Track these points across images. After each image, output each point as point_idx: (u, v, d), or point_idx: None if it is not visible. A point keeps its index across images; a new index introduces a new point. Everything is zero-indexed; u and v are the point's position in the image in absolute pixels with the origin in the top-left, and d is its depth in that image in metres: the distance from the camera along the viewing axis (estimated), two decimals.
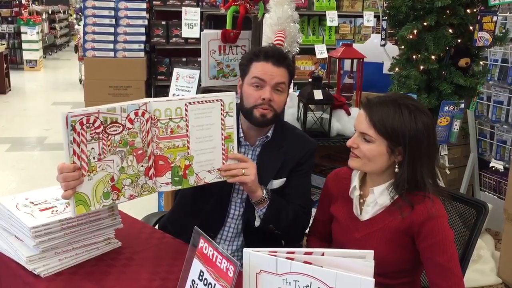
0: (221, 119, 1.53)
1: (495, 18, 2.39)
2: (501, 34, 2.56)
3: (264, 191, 1.63)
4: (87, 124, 1.33)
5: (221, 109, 1.52)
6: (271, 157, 1.74)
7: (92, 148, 1.35)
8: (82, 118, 1.32)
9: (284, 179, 1.75)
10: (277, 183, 1.74)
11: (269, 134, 1.75)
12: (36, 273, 1.40)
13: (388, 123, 1.41)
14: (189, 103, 1.48)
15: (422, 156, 1.43)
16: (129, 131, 1.41)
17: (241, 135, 1.74)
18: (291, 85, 1.87)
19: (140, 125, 1.43)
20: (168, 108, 1.45)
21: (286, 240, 1.80)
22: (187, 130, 1.49)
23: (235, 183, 1.65)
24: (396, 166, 1.45)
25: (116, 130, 1.38)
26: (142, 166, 1.45)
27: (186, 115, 1.48)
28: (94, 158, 1.36)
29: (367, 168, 1.48)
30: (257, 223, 1.68)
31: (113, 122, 1.37)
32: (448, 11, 2.39)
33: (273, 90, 1.66)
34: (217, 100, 1.51)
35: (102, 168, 1.38)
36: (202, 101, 1.49)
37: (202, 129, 1.51)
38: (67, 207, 1.49)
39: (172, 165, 1.49)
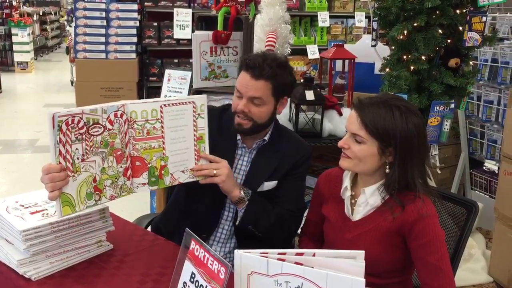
0: (193, 120, 1.57)
1: (484, 19, 2.40)
2: (490, 34, 2.58)
3: (242, 192, 1.64)
4: (72, 125, 1.34)
5: (193, 111, 1.56)
6: (265, 160, 1.75)
7: (76, 149, 1.36)
8: (67, 119, 1.33)
9: (276, 181, 1.75)
10: (268, 185, 1.74)
11: (266, 138, 1.76)
12: (27, 276, 1.39)
13: (379, 124, 1.41)
14: (164, 105, 1.51)
15: (412, 157, 1.44)
16: (109, 132, 1.42)
17: (239, 138, 1.75)
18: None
19: (119, 126, 1.44)
20: (144, 110, 1.48)
21: (271, 243, 1.75)
22: (162, 132, 1.52)
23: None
24: (387, 166, 1.46)
25: (98, 131, 1.40)
26: (121, 166, 1.47)
27: (161, 116, 1.51)
28: (78, 158, 1.36)
29: (358, 169, 1.49)
30: (238, 223, 1.70)
31: (95, 123, 1.39)
32: (437, 12, 2.40)
33: (250, 102, 1.66)
34: (189, 102, 1.56)
35: (85, 168, 1.38)
36: (175, 103, 1.53)
37: (176, 130, 1.54)
38: None
39: (149, 165, 1.52)
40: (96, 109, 1.39)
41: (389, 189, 1.46)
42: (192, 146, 1.58)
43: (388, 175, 1.46)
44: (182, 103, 1.54)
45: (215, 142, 1.73)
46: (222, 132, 1.77)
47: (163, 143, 1.53)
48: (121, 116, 1.44)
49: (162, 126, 1.51)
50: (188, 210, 1.79)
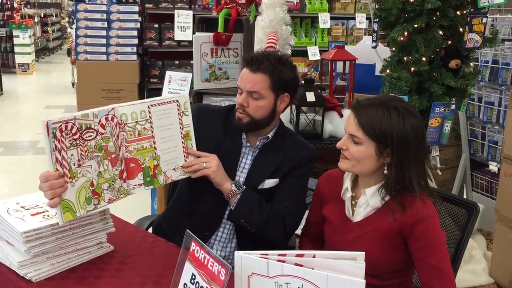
0: (179, 118, 1.61)
1: (484, 20, 2.40)
2: (491, 36, 2.58)
3: (234, 185, 1.66)
4: (66, 131, 1.34)
5: (178, 109, 1.60)
6: (268, 158, 1.76)
7: (72, 155, 1.36)
8: (61, 125, 1.33)
9: (277, 180, 1.75)
10: (269, 182, 1.75)
11: (269, 135, 1.77)
12: (27, 278, 1.39)
13: (376, 125, 1.42)
14: (151, 105, 1.54)
15: (410, 158, 1.44)
16: (102, 136, 1.43)
17: (244, 137, 1.77)
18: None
19: (111, 130, 1.46)
20: (134, 112, 1.51)
21: (267, 240, 1.74)
22: (152, 132, 1.55)
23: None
24: (385, 168, 1.46)
25: (91, 136, 1.40)
26: (116, 169, 1.48)
27: (150, 117, 1.54)
28: (74, 164, 1.37)
29: (356, 170, 1.49)
30: (227, 216, 1.73)
31: (88, 128, 1.40)
32: (438, 13, 2.40)
33: (249, 96, 1.68)
34: (173, 101, 1.59)
35: (82, 173, 1.39)
36: (161, 103, 1.57)
37: (164, 129, 1.58)
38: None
39: (143, 166, 1.54)
40: (87, 114, 1.40)
41: (388, 190, 1.46)
42: (180, 143, 1.62)
43: (386, 176, 1.46)
44: (167, 102, 1.58)
45: (220, 142, 1.75)
46: (228, 131, 1.78)
47: (154, 142, 1.56)
48: (112, 119, 1.45)
49: (151, 126, 1.54)
50: (192, 209, 1.80)
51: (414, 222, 1.43)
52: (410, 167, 1.44)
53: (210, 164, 1.64)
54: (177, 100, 1.60)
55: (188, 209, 1.81)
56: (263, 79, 1.66)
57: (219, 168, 1.65)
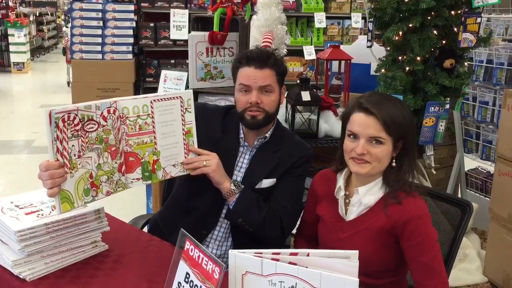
0: (181, 115, 1.60)
1: (479, 20, 2.41)
2: (485, 35, 2.59)
3: (233, 184, 1.67)
4: (68, 121, 1.34)
5: (181, 105, 1.60)
6: (266, 157, 1.76)
7: (73, 145, 1.36)
8: (64, 115, 1.33)
9: (274, 179, 1.76)
10: (267, 182, 1.75)
11: (267, 135, 1.78)
12: (21, 277, 1.39)
13: (396, 120, 1.43)
14: (154, 100, 1.54)
15: (414, 146, 1.48)
16: (103, 128, 1.43)
17: (242, 136, 1.78)
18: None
19: (112, 123, 1.46)
20: (136, 106, 1.51)
21: (264, 239, 1.75)
22: (153, 127, 1.55)
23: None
24: (394, 160, 1.48)
25: (92, 128, 1.41)
26: (116, 162, 1.48)
27: (152, 112, 1.54)
28: (74, 155, 1.37)
29: (376, 170, 1.48)
30: (224, 215, 1.73)
31: (90, 120, 1.40)
32: (432, 13, 2.41)
33: (261, 92, 1.69)
34: (177, 97, 1.59)
35: (82, 165, 1.39)
36: (164, 98, 1.57)
37: (166, 125, 1.57)
38: (53, 210, 1.48)
39: (142, 160, 1.54)
40: (90, 105, 1.40)
41: (399, 182, 1.47)
42: (181, 140, 1.62)
43: (394, 168, 1.48)
44: (171, 98, 1.58)
45: (218, 140, 1.75)
46: (225, 130, 1.79)
47: (155, 138, 1.56)
48: (114, 112, 1.46)
49: (153, 121, 1.54)
50: (189, 207, 1.80)
51: (406, 221, 1.44)
52: (414, 157, 1.48)
53: (211, 162, 1.64)
54: (180, 97, 1.60)
55: (186, 208, 1.81)
56: (271, 73, 1.70)
57: (219, 166, 1.65)
